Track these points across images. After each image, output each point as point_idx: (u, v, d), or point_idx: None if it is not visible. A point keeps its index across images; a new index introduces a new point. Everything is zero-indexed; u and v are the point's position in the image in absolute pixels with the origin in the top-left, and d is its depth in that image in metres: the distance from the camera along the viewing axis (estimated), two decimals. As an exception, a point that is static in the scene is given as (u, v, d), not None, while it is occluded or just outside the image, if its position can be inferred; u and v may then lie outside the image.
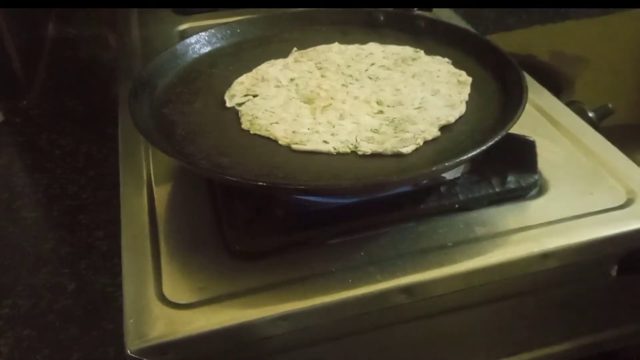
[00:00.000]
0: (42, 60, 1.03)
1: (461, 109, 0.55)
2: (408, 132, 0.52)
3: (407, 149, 0.50)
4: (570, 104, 0.67)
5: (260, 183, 0.46)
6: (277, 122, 0.55)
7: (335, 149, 0.51)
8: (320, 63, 0.64)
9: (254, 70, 0.63)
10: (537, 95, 0.66)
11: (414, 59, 0.64)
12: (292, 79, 0.61)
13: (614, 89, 0.97)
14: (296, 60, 0.65)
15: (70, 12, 1.16)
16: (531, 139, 0.53)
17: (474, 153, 0.46)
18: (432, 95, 0.57)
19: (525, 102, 0.52)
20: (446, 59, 0.64)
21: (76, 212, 0.72)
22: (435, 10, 0.83)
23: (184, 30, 0.83)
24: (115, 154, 0.60)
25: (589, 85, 0.96)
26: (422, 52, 0.65)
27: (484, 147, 0.47)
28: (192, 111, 0.57)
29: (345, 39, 0.68)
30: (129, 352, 0.41)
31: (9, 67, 0.90)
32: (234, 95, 0.59)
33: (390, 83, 0.60)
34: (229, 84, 0.61)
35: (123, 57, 0.78)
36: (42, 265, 0.66)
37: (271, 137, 0.53)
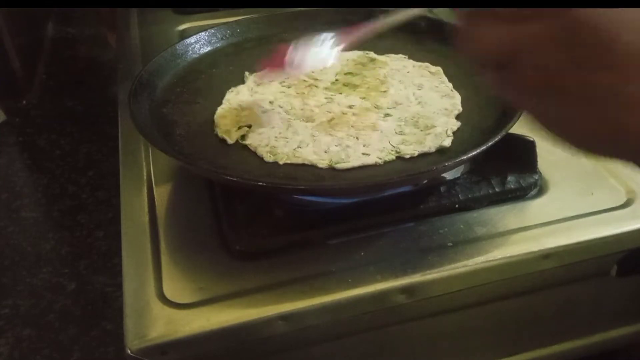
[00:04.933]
0: (42, 60, 1.03)
1: (458, 96, 0.56)
2: (435, 126, 0.53)
3: (447, 142, 0.51)
4: (570, 104, 0.67)
5: (260, 183, 0.46)
6: (299, 147, 0.52)
7: (380, 158, 0.50)
8: (284, 82, 0.60)
9: (225, 102, 0.58)
10: (537, 95, 0.66)
11: (372, 60, 0.63)
12: (270, 102, 0.58)
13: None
14: (258, 84, 0.61)
15: (70, 12, 1.16)
16: (531, 138, 0.53)
17: (474, 153, 0.46)
18: (419, 89, 0.58)
19: (525, 102, 0.51)
20: (401, 55, 0.63)
21: (76, 212, 0.73)
22: (435, 10, 0.83)
23: (183, 30, 0.83)
24: (115, 154, 0.60)
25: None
26: (372, 53, 0.64)
27: (484, 147, 0.47)
28: (192, 111, 0.57)
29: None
30: (129, 352, 0.41)
31: (8, 67, 0.90)
32: (228, 131, 0.54)
33: (371, 87, 0.59)
34: (229, 84, 0.61)
35: (123, 57, 0.78)
36: (42, 265, 0.66)
37: (306, 162, 0.50)
